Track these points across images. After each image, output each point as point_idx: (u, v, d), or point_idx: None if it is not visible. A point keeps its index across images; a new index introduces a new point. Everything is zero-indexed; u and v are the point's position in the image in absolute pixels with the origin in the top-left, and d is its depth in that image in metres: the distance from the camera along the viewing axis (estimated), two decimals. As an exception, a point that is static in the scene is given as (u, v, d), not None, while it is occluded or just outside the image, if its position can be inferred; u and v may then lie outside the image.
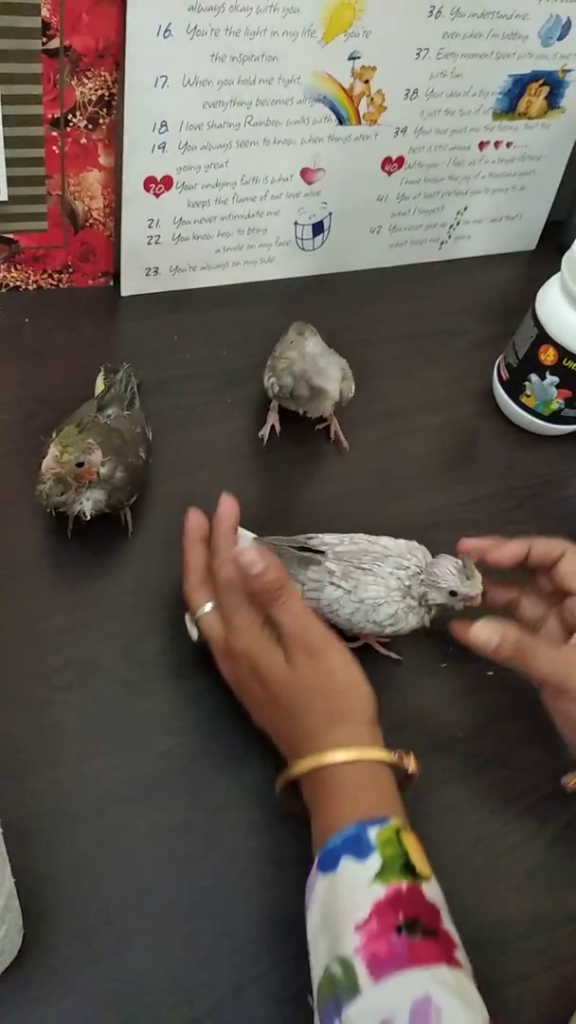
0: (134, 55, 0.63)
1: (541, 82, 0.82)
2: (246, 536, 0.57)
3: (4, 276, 0.74)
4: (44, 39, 0.61)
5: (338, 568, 0.53)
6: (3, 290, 0.75)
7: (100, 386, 0.66)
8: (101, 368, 0.67)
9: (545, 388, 0.72)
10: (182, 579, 0.54)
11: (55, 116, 0.65)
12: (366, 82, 0.74)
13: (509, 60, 0.78)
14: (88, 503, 0.55)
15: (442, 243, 0.91)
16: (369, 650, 0.58)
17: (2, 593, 0.57)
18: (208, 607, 0.52)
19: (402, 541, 0.55)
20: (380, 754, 0.46)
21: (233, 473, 0.67)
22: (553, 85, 0.83)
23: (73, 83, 0.64)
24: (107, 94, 0.65)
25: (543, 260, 0.93)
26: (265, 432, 0.70)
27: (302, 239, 0.83)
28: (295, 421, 0.69)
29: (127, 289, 0.78)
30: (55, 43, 0.61)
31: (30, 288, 0.76)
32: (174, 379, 0.72)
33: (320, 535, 0.56)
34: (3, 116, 0.63)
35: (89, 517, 0.56)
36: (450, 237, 0.91)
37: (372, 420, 0.74)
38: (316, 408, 0.66)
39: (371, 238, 0.86)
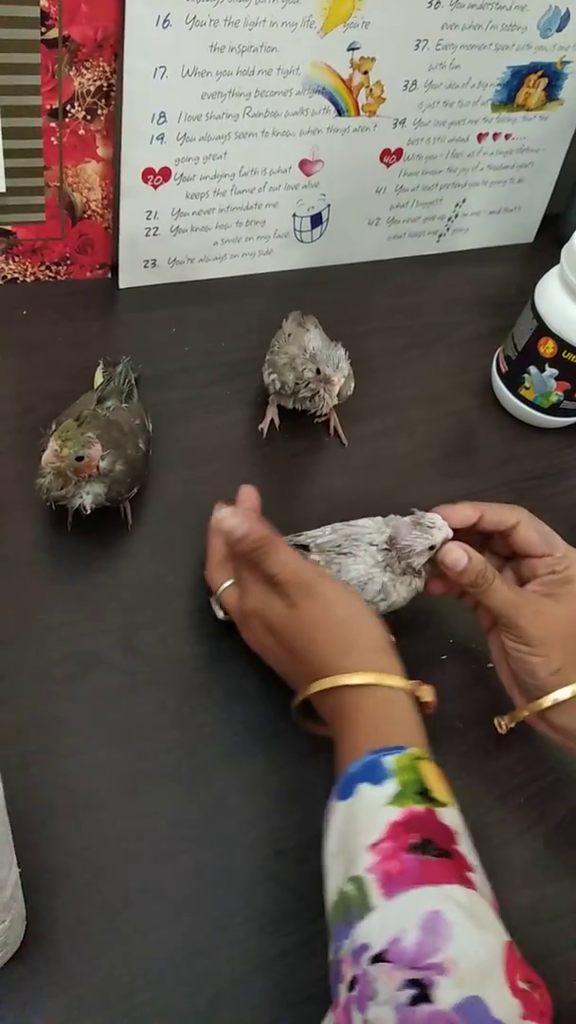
0: (133, 45, 0.63)
1: (540, 73, 0.82)
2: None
3: (2, 268, 0.74)
4: (43, 29, 0.61)
5: (321, 558, 0.54)
6: (1, 282, 0.75)
7: (99, 379, 0.66)
8: (100, 361, 0.67)
9: (544, 380, 0.72)
10: (205, 565, 0.56)
11: (53, 107, 0.65)
12: (365, 73, 0.73)
13: (508, 52, 0.78)
14: (88, 497, 0.55)
15: (440, 236, 0.91)
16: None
17: (3, 585, 0.57)
18: (227, 584, 0.54)
19: (379, 519, 0.56)
20: (392, 680, 0.46)
21: (232, 466, 0.67)
22: (552, 77, 0.83)
23: (71, 73, 0.64)
24: (106, 85, 0.65)
25: (541, 253, 0.93)
26: (264, 426, 0.70)
27: (300, 231, 0.82)
28: (294, 414, 0.69)
29: (125, 281, 0.77)
30: (54, 33, 0.61)
31: (28, 280, 0.76)
32: (173, 372, 0.72)
33: (304, 532, 0.57)
34: (1, 107, 0.63)
35: (89, 511, 0.56)
36: (448, 230, 0.91)
37: (371, 413, 0.73)
38: (316, 406, 0.66)
39: (369, 230, 0.86)
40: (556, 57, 0.81)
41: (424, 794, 0.40)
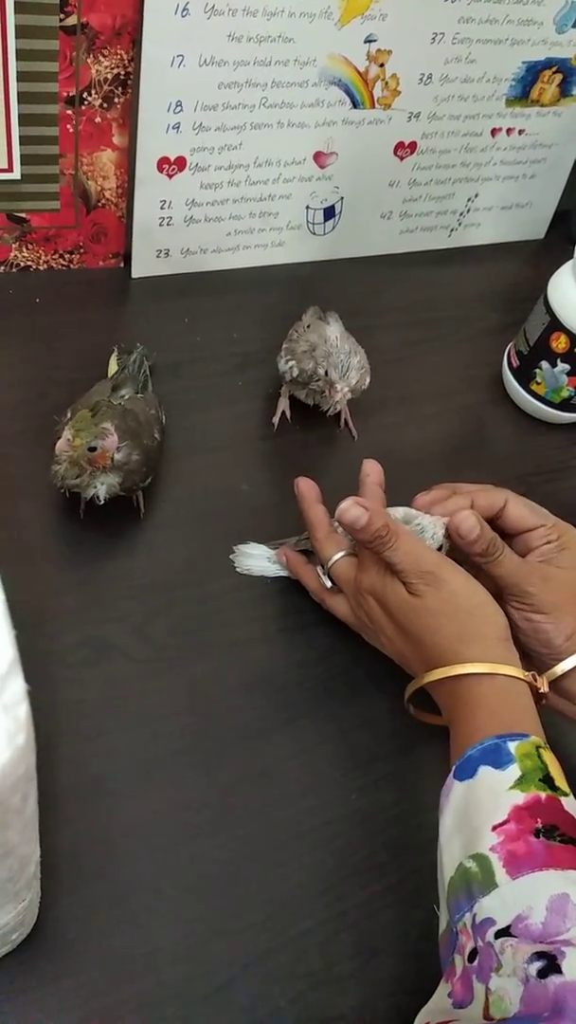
0: (151, 34, 0.63)
1: (554, 69, 0.82)
2: (255, 551, 0.60)
3: (15, 255, 0.74)
4: (62, 15, 0.60)
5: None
6: (14, 270, 0.75)
7: (113, 367, 0.66)
8: (114, 348, 0.67)
9: (556, 375, 0.72)
10: (309, 535, 0.56)
11: (70, 94, 0.65)
12: (381, 66, 0.73)
13: (523, 47, 0.78)
14: (103, 487, 0.55)
15: (452, 230, 0.91)
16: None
17: (15, 572, 0.56)
18: (338, 556, 0.54)
19: (400, 509, 0.55)
20: (511, 670, 0.46)
21: (244, 457, 0.68)
22: (566, 73, 0.83)
23: (89, 61, 0.64)
24: (123, 73, 0.65)
25: (552, 249, 0.94)
26: (276, 418, 0.70)
27: (313, 223, 0.82)
28: (307, 406, 0.69)
29: (138, 271, 0.77)
30: (72, 20, 0.61)
31: (41, 268, 0.76)
32: (185, 362, 0.72)
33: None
34: (19, 93, 0.63)
35: (103, 501, 0.56)
36: (460, 224, 0.91)
37: (382, 406, 0.74)
38: (327, 403, 0.66)
39: (382, 224, 0.86)
40: (571, 53, 0.81)
41: (548, 781, 0.40)
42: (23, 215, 0.71)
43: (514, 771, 0.41)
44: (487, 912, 0.37)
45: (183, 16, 0.63)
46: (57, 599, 0.56)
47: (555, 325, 0.70)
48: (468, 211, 0.90)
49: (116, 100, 0.67)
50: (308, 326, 0.66)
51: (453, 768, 0.43)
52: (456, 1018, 0.36)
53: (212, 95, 0.68)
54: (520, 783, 0.40)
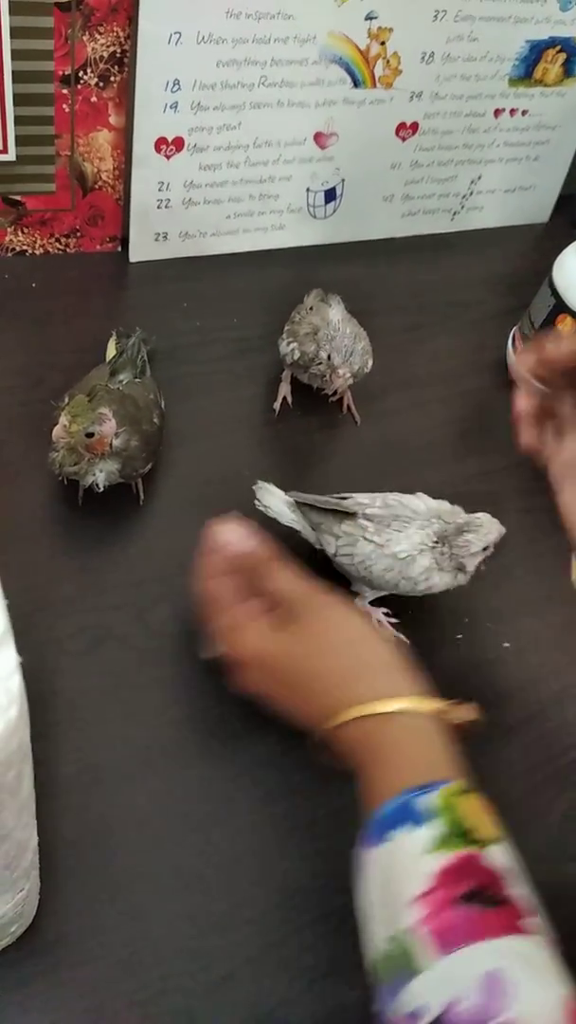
0: (147, 10, 0.61)
1: (558, 48, 0.81)
2: (276, 492, 0.57)
3: (11, 239, 0.73)
4: (56, -9, 0.59)
5: (371, 526, 0.54)
6: (10, 254, 0.74)
7: (112, 351, 0.65)
8: (113, 332, 0.66)
9: (561, 359, 0.71)
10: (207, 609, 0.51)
11: (65, 73, 0.64)
12: (382, 44, 0.72)
13: (527, 25, 0.77)
14: (101, 475, 0.54)
15: (455, 213, 0.90)
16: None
17: (13, 559, 0.56)
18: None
19: (433, 503, 0.55)
20: (415, 703, 0.41)
21: (245, 442, 0.66)
22: (570, 52, 0.81)
23: (85, 38, 0.62)
24: (119, 51, 0.64)
25: (556, 233, 0.92)
26: (278, 404, 0.69)
27: (314, 206, 0.81)
28: (308, 391, 0.68)
29: (136, 255, 0.76)
30: (67, -5, 0.60)
31: (37, 253, 0.74)
32: (184, 346, 0.71)
33: (354, 495, 0.56)
34: (13, 72, 0.62)
35: (103, 488, 0.55)
36: (463, 207, 0.90)
37: (385, 391, 0.73)
38: (331, 385, 0.65)
39: (384, 207, 0.85)
40: (575, 32, 0.80)
41: (470, 835, 0.37)
42: (18, 198, 0.70)
43: (431, 830, 0.36)
44: (417, 1000, 0.33)
45: (180, -9, 0.61)
46: (56, 587, 0.55)
47: (561, 308, 0.69)
48: (471, 194, 0.89)
49: (112, 79, 0.65)
50: (311, 308, 0.65)
51: (363, 832, 0.39)
52: None
53: (210, 73, 0.67)
54: (439, 844, 0.36)
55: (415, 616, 0.59)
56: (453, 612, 0.60)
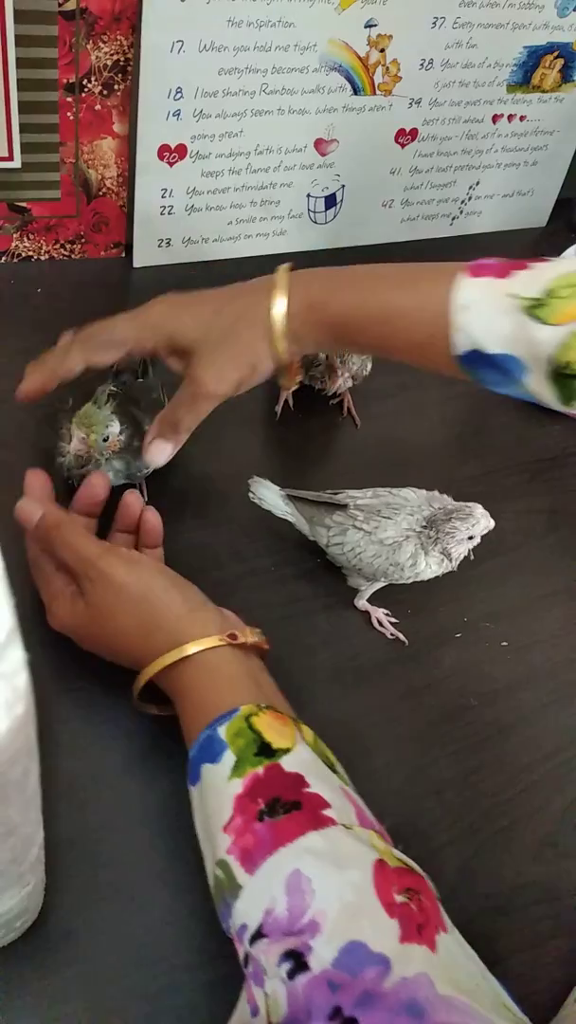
0: (151, 19, 0.62)
1: (556, 54, 0.81)
2: (271, 487, 0.59)
3: (16, 245, 0.73)
4: (60, 0, 0.60)
5: (361, 515, 0.56)
6: (15, 260, 0.74)
7: None
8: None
9: (559, 362, 0.71)
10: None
11: (70, 81, 0.64)
12: (382, 51, 0.73)
13: (525, 31, 0.78)
14: (109, 474, 0.55)
15: (453, 218, 0.91)
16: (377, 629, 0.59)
17: (17, 561, 0.57)
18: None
19: (423, 492, 0.57)
20: (198, 644, 0.44)
21: (247, 444, 0.67)
22: (568, 58, 0.82)
23: (89, 47, 0.63)
24: (123, 59, 0.65)
25: (554, 237, 0.93)
26: (279, 407, 0.70)
27: (315, 212, 0.82)
28: (309, 394, 0.69)
29: (140, 261, 0.77)
30: (71, 4, 0.61)
31: (42, 258, 0.75)
32: (187, 350, 0.72)
33: (345, 490, 0.58)
34: (18, 80, 0.63)
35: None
36: (462, 213, 0.90)
37: (384, 393, 0.73)
38: (330, 387, 0.66)
39: (383, 212, 0.86)
40: (573, 38, 0.81)
41: (263, 751, 0.40)
42: (24, 204, 0.71)
43: (228, 758, 0.40)
44: (241, 918, 0.36)
45: (182, 0, 0.62)
46: (60, 587, 0.56)
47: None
48: (470, 199, 0.90)
49: (116, 87, 0.66)
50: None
51: (186, 772, 0.43)
52: None
53: (212, 81, 0.68)
54: (235, 769, 0.40)
55: (414, 615, 0.60)
56: (452, 611, 0.61)
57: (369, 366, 0.67)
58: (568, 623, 0.62)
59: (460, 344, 0.47)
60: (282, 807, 0.38)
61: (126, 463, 0.56)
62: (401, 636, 0.58)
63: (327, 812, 0.38)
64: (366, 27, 0.71)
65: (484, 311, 0.46)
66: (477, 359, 0.47)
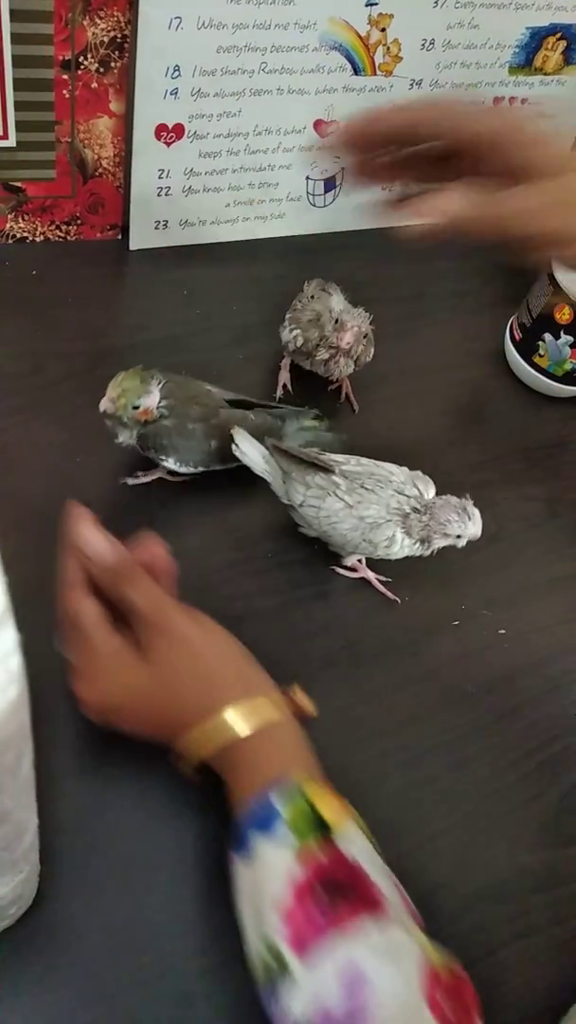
0: (148, -5, 0.61)
1: (558, 36, 0.80)
2: (254, 442, 0.58)
3: (11, 226, 0.72)
4: (56, -25, 0.59)
5: (344, 483, 0.55)
6: (10, 241, 0.73)
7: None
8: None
9: (559, 348, 0.71)
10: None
11: (66, 58, 0.63)
12: (383, 30, 0.72)
13: (527, 11, 0.77)
14: (127, 436, 0.57)
15: (454, 202, 0.90)
16: (369, 590, 0.58)
17: (12, 546, 0.56)
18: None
19: (406, 469, 0.56)
20: (254, 720, 0.43)
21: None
22: (570, 39, 0.81)
23: (85, 23, 0.62)
24: (120, 36, 0.63)
25: (555, 222, 0.92)
26: (278, 393, 0.69)
27: (314, 195, 0.81)
28: (308, 380, 0.69)
29: (136, 243, 0.76)
30: (67, -20, 0.59)
31: (37, 240, 0.74)
32: (185, 334, 0.71)
33: (328, 453, 0.57)
34: (12, 56, 0.61)
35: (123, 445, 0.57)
36: (462, 196, 0.89)
37: (383, 380, 0.73)
38: (331, 370, 0.65)
39: (383, 196, 0.85)
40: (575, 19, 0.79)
41: (317, 825, 0.40)
42: (19, 184, 0.70)
43: (283, 832, 0.39)
44: (292, 1007, 0.36)
45: (181, -23, 0.61)
46: (57, 575, 0.55)
47: (559, 296, 0.69)
48: (470, 183, 0.88)
49: (113, 64, 0.65)
50: (312, 296, 0.65)
51: (230, 839, 0.42)
52: None
53: (211, 59, 0.67)
54: (292, 846, 0.39)
55: (411, 602, 0.59)
56: (450, 598, 0.60)
57: (372, 352, 0.66)
58: (566, 611, 0.62)
59: None
60: (337, 891, 0.38)
61: (160, 444, 0.57)
62: (391, 595, 0.58)
63: (380, 897, 0.38)
64: (367, 6, 0.69)
65: None
66: None
